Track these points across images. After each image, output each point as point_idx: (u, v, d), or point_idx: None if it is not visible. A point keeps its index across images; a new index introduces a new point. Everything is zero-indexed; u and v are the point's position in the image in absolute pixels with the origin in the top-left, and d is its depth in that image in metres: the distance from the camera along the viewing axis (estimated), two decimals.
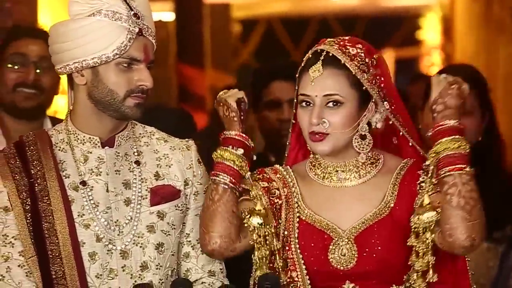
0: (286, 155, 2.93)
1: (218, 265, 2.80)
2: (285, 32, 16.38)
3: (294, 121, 2.88)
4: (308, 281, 2.72)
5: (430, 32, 14.65)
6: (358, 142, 2.74)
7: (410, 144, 2.79)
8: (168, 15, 11.64)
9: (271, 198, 2.77)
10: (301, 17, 16.20)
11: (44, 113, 3.71)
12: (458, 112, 2.65)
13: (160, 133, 2.84)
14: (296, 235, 2.74)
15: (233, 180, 2.69)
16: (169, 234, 2.73)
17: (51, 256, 2.63)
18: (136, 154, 2.75)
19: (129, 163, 2.74)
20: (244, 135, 2.74)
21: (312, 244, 2.72)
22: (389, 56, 15.87)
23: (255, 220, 2.68)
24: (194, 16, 10.98)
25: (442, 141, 2.62)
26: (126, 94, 2.65)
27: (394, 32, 15.85)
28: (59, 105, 8.98)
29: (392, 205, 2.71)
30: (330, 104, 2.70)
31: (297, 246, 2.74)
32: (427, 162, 2.65)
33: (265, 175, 2.82)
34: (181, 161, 2.79)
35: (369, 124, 2.77)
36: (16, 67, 3.62)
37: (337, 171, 2.78)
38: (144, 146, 2.78)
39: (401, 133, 2.80)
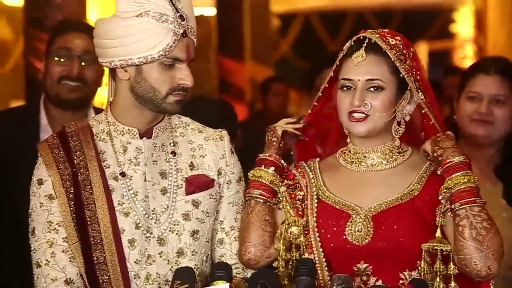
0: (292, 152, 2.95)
1: None
2: (323, 26, 16.35)
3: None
4: (325, 263, 2.72)
5: (463, 25, 14.54)
6: (396, 128, 2.77)
7: (439, 130, 2.80)
8: (209, 10, 11.68)
9: (291, 192, 2.82)
10: (338, 12, 16.15)
11: (89, 104, 3.72)
12: (458, 149, 2.70)
13: (194, 123, 2.85)
14: (314, 217, 2.76)
15: (264, 193, 2.77)
16: (203, 222, 2.74)
17: (93, 242, 2.65)
18: (172, 144, 2.76)
19: (165, 154, 2.75)
20: (276, 156, 2.82)
21: (330, 222, 2.74)
22: (423, 49, 15.77)
23: (294, 229, 2.73)
24: (235, 11, 10.99)
25: (452, 177, 2.65)
26: (168, 92, 2.66)
27: (428, 25, 15.75)
28: (105, 96, 9.08)
29: (416, 194, 2.72)
30: (372, 89, 2.73)
31: (315, 225, 2.75)
32: (440, 198, 2.67)
33: (297, 174, 2.85)
34: (214, 151, 2.80)
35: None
36: (61, 60, 3.65)
37: (365, 156, 2.79)
38: (179, 137, 2.79)
39: (431, 122, 2.81)
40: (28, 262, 3.47)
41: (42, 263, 2.66)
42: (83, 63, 3.61)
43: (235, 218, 2.79)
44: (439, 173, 2.69)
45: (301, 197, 2.81)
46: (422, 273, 2.64)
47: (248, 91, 11.04)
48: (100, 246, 2.64)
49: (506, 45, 10.39)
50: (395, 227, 2.67)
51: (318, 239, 2.73)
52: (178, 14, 2.63)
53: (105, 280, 2.64)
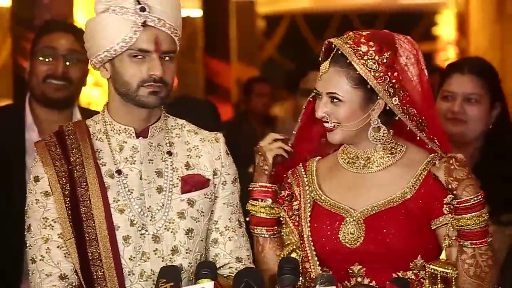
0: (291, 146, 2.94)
1: (245, 252, 2.80)
2: (308, 27, 16.36)
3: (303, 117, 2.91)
4: (319, 268, 2.73)
5: (445, 28, 14.59)
6: (372, 135, 2.75)
7: (418, 137, 2.78)
8: (196, 12, 11.67)
9: (288, 203, 2.85)
10: (323, 13, 16.17)
11: (73, 103, 3.73)
12: (473, 179, 2.66)
13: (190, 125, 2.85)
14: (308, 227, 2.77)
15: (269, 229, 2.83)
16: (198, 221, 2.74)
17: (88, 238, 2.65)
18: (168, 144, 2.76)
19: (161, 153, 2.75)
20: (268, 185, 2.84)
21: (325, 226, 2.75)
22: None
23: (294, 255, 2.78)
24: (221, 13, 10.99)
25: (464, 217, 2.64)
26: (139, 84, 2.65)
27: (411, 28, 15.78)
28: (93, 96, 9.03)
29: (408, 196, 2.71)
30: (334, 99, 2.73)
31: (309, 235, 2.76)
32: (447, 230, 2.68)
33: (286, 183, 2.87)
34: (210, 152, 2.79)
35: (391, 114, 2.74)
36: (46, 59, 3.65)
37: (357, 157, 2.80)
38: (175, 138, 2.79)
39: (407, 128, 2.78)
40: (16, 258, 3.48)
41: (37, 258, 2.66)
42: (68, 63, 3.62)
43: (229, 218, 2.78)
44: (454, 204, 2.65)
45: (296, 207, 2.83)
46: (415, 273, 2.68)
47: (234, 92, 11.04)
48: (95, 242, 2.64)
49: (488, 48, 10.44)
50: (385, 230, 2.67)
51: (313, 248, 2.75)
52: (140, 6, 2.63)
53: (99, 276, 2.64)
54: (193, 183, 2.74)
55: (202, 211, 2.74)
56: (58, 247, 2.66)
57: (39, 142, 2.76)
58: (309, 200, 2.80)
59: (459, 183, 2.64)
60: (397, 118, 2.74)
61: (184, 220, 2.71)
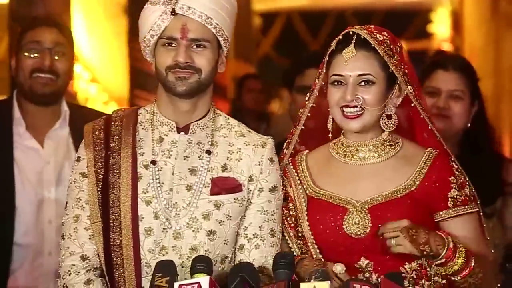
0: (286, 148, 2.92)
1: (270, 263, 2.70)
2: (304, 25, 16.35)
3: (309, 114, 2.88)
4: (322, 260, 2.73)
5: (440, 26, 14.59)
6: (384, 121, 2.76)
7: (429, 127, 2.81)
8: None
9: (285, 204, 2.82)
10: (319, 11, 16.16)
11: (61, 97, 3.73)
12: (433, 234, 2.67)
13: (241, 126, 2.84)
14: (307, 223, 2.76)
15: None
16: (223, 224, 2.73)
17: (112, 225, 2.69)
18: (210, 143, 2.76)
19: (200, 151, 2.75)
20: None
21: (327, 218, 2.75)
22: None
23: None
24: None
25: (448, 265, 2.68)
26: (167, 70, 2.70)
27: (406, 26, 15.78)
28: (90, 92, 9.02)
29: (413, 188, 2.74)
30: (363, 83, 2.74)
31: (308, 226, 2.75)
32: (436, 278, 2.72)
33: (285, 180, 2.84)
34: (251, 157, 2.77)
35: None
36: (32, 54, 3.65)
37: (357, 149, 2.80)
38: (221, 138, 2.78)
39: (421, 115, 2.81)
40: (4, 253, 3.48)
41: (66, 236, 2.72)
42: (54, 56, 3.62)
43: (260, 226, 2.75)
44: (435, 265, 2.69)
45: (292, 208, 2.82)
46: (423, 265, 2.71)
47: (231, 89, 11.03)
48: (118, 229, 2.68)
49: (482, 46, 10.44)
50: (391, 219, 2.67)
51: (315, 243, 2.75)
52: None
53: (118, 263, 2.67)
54: (223, 186, 2.72)
55: (229, 215, 2.72)
56: (85, 228, 2.71)
57: (88, 124, 2.82)
58: (303, 198, 2.79)
59: (427, 243, 2.64)
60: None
61: (208, 222, 2.70)
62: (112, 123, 2.77)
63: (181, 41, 2.67)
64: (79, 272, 2.68)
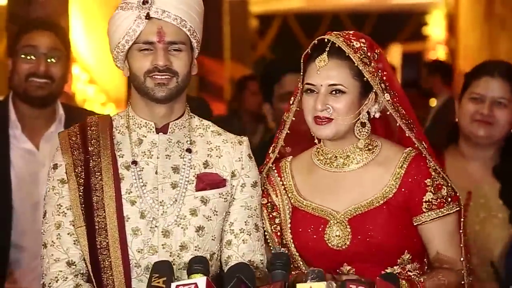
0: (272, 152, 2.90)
1: (259, 256, 2.75)
2: (300, 27, 16.37)
3: (294, 118, 2.86)
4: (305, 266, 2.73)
5: (435, 28, 14.61)
6: (358, 129, 2.76)
7: (406, 134, 2.78)
8: None
9: (269, 212, 2.81)
10: (314, 13, 16.18)
11: (56, 100, 3.72)
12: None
13: (215, 127, 2.84)
14: (289, 227, 2.77)
15: None
16: (210, 219, 2.72)
17: (97, 227, 2.66)
18: (188, 142, 2.76)
19: (180, 150, 2.74)
20: None
21: (309, 230, 2.74)
22: (396, 50, 15.81)
23: None
24: (214, 12, 10.99)
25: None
26: (145, 75, 2.67)
27: (401, 27, 15.80)
28: (88, 94, 9.01)
29: (390, 195, 2.72)
30: (334, 92, 2.72)
31: (290, 235, 2.76)
32: None
33: (270, 189, 2.83)
34: (230, 153, 2.77)
35: (368, 113, 2.77)
36: (28, 58, 3.64)
37: (336, 156, 2.79)
38: (198, 137, 2.78)
39: (397, 124, 2.79)
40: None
41: (48, 244, 2.68)
42: (49, 60, 3.61)
43: (245, 221, 2.75)
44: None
45: (277, 217, 2.81)
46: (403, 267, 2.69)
47: (227, 90, 11.04)
48: (104, 231, 2.65)
49: (477, 48, 10.45)
50: (371, 232, 2.67)
51: (297, 252, 2.75)
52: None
53: (106, 266, 2.64)
54: (208, 181, 2.72)
55: (215, 210, 2.71)
56: (68, 234, 2.67)
57: (63, 131, 2.79)
58: (288, 209, 2.79)
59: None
60: (372, 117, 2.76)
61: (196, 217, 2.69)
62: (88, 128, 2.75)
63: (158, 44, 2.65)
64: (66, 278, 2.65)
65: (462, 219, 2.75)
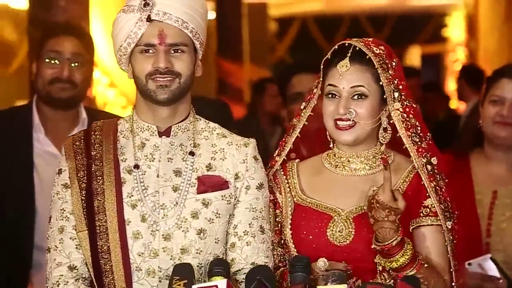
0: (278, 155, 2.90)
1: (263, 258, 2.71)
2: (319, 30, 16.36)
3: (306, 122, 2.86)
4: None
5: (455, 29, 14.55)
6: (382, 135, 2.76)
7: (404, 147, 2.77)
8: (209, 14, 11.66)
9: (272, 210, 2.81)
10: (333, 16, 16.17)
11: (79, 103, 3.75)
12: (388, 223, 2.59)
13: (222, 129, 2.83)
14: (289, 224, 2.76)
15: None
16: (212, 222, 2.70)
17: (98, 231, 2.66)
18: (192, 145, 2.74)
19: (183, 153, 2.73)
20: None
21: (312, 223, 2.74)
22: (415, 52, 15.76)
23: None
24: (233, 15, 10.99)
25: (391, 260, 2.61)
26: (147, 77, 2.67)
27: (421, 29, 15.75)
28: (109, 97, 9.05)
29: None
30: (356, 97, 2.72)
31: (290, 231, 2.75)
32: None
33: (274, 186, 2.83)
34: (235, 155, 2.75)
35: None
36: (52, 62, 3.67)
37: (349, 161, 2.79)
38: (203, 140, 2.77)
39: (397, 134, 2.78)
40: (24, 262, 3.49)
41: (51, 248, 2.68)
42: (73, 65, 3.64)
43: (249, 224, 2.72)
44: (378, 253, 2.63)
45: (279, 215, 2.81)
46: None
47: (246, 92, 11.06)
48: (105, 235, 2.65)
49: (497, 50, 10.41)
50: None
51: (295, 249, 2.74)
52: (144, 2, 2.65)
53: (107, 269, 2.64)
54: (209, 183, 2.70)
55: (217, 213, 2.70)
56: (71, 238, 2.67)
57: (69, 137, 2.80)
58: (290, 205, 2.79)
59: (375, 223, 2.60)
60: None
61: (197, 220, 2.68)
62: (92, 133, 2.76)
63: (160, 47, 2.66)
64: (67, 282, 2.65)
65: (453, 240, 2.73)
